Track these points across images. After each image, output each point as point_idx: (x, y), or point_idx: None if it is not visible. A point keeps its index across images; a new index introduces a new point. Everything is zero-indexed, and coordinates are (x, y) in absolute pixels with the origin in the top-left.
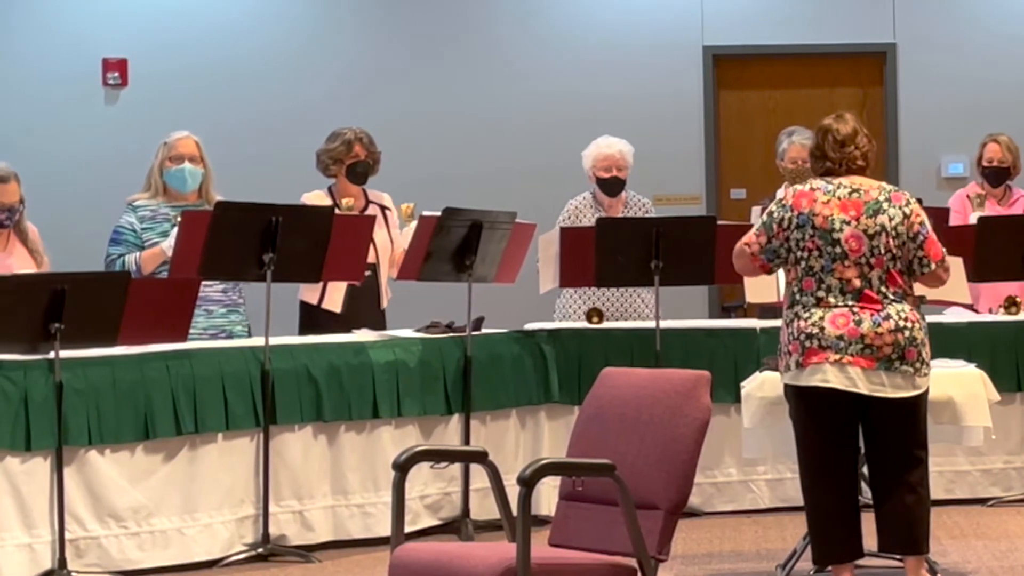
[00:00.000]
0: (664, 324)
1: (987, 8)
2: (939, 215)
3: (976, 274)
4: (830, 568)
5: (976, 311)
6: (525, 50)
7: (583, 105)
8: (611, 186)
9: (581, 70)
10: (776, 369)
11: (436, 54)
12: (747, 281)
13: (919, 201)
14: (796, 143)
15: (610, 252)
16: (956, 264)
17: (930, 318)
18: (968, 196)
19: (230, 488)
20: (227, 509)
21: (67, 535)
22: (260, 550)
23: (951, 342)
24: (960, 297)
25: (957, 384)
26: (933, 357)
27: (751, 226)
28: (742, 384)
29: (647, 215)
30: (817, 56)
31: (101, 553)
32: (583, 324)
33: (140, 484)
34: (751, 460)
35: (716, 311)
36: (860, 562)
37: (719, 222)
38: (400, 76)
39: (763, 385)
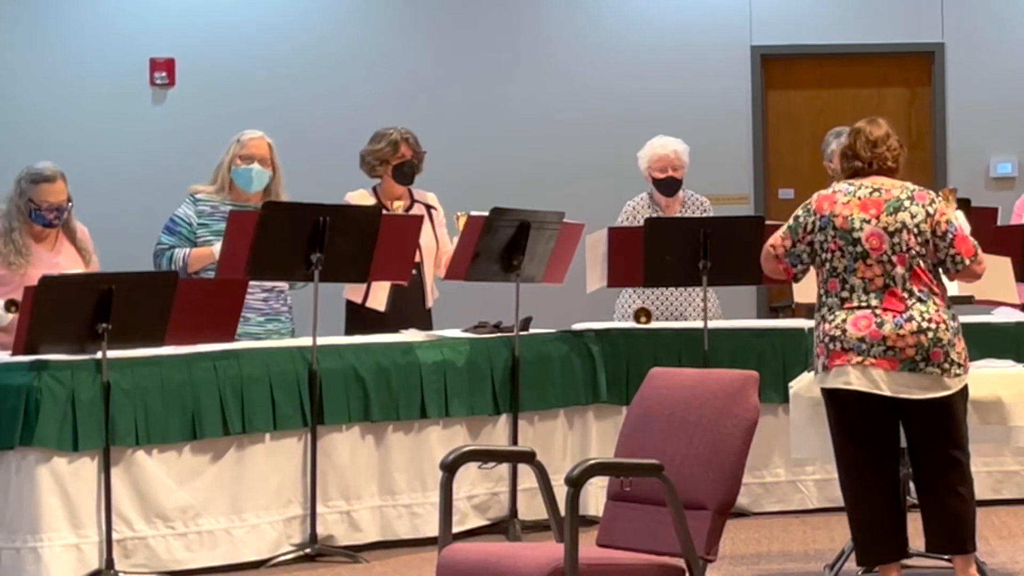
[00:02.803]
0: (712, 324)
1: None
2: (987, 215)
3: None
4: (877, 568)
5: None
6: (573, 51)
7: (631, 105)
8: (667, 186)
9: (629, 70)
10: None
11: (482, 54)
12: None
13: (967, 202)
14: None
15: (658, 252)
16: (1004, 264)
17: (978, 318)
18: None
19: (278, 488)
20: (275, 509)
21: (114, 535)
22: (308, 550)
23: (999, 342)
24: (1009, 297)
25: (1005, 384)
26: (981, 357)
27: None
28: (790, 384)
29: (705, 214)
30: (865, 56)
31: (149, 553)
32: (631, 324)
33: (187, 484)
34: (799, 460)
35: (764, 311)
36: (908, 562)
37: (767, 222)
38: (446, 76)
39: (811, 385)
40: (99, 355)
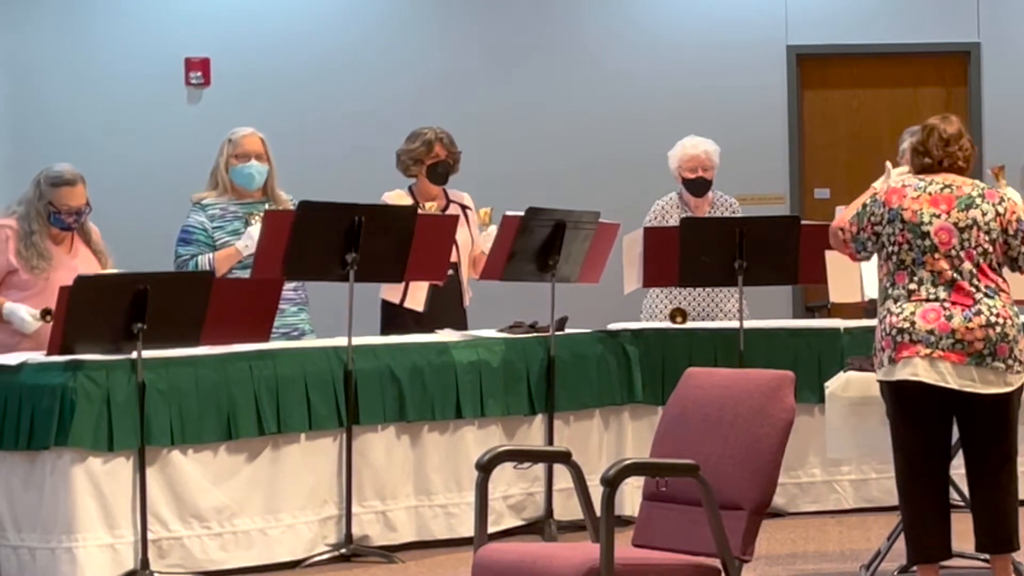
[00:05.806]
0: (748, 324)
1: None
2: None
3: None
4: (915, 568)
5: None
6: (608, 49)
7: (666, 104)
8: (697, 186)
9: (664, 69)
10: (860, 369)
11: (518, 52)
12: (831, 281)
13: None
14: None
15: (694, 252)
16: None
17: None
18: None
19: (313, 488)
20: (310, 509)
21: (150, 535)
22: (343, 551)
23: None
24: None
25: None
26: None
27: None
28: (826, 384)
29: (734, 215)
30: (901, 55)
31: (184, 553)
32: (667, 324)
33: (223, 484)
34: (835, 460)
35: (800, 311)
36: (945, 563)
37: (803, 222)
38: (481, 75)
39: (847, 385)
40: (134, 355)
